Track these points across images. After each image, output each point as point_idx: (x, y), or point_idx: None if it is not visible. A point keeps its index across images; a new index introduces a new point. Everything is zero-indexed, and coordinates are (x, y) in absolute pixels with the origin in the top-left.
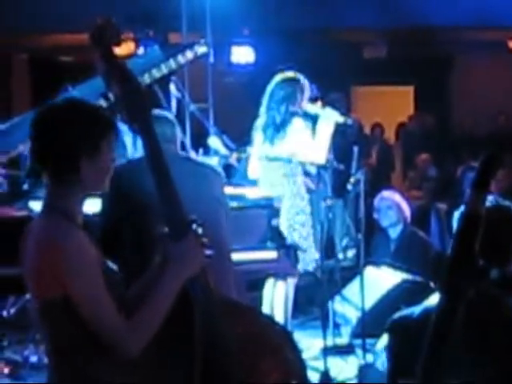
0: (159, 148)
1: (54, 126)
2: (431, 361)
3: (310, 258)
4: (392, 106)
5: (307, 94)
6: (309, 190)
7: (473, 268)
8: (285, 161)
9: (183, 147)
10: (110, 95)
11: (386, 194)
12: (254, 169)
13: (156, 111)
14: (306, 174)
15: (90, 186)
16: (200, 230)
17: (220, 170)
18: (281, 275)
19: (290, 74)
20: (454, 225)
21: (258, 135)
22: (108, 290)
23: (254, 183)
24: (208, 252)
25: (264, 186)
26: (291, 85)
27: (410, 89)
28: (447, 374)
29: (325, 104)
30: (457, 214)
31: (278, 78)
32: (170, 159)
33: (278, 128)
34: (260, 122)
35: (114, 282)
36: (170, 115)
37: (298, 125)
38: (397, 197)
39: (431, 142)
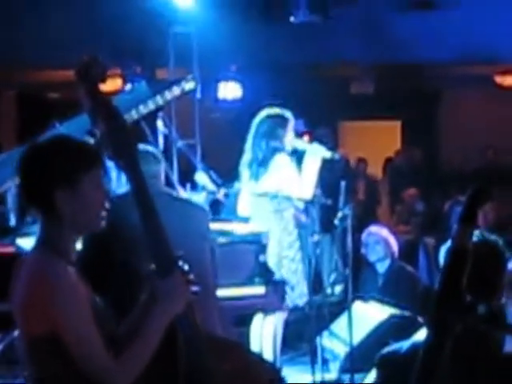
0: (145, 184)
1: (38, 163)
2: None
3: (298, 294)
4: (379, 141)
5: (292, 129)
6: (298, 225)
7: (460, 303)
8: (271, 197)
9: (170, 183)
10: (96, 132)
11: (373, 228)
12: (244, 205)
13: (141, 147)
14: (295, 209)
15: (76, 222)
16: (186, 267)
17: (205, 205)
18: (269, 311)
19: (273, 109)
20: (441, 259)
21: (244, 171)
22: (97, 327)
23: (241, 219)
24: (194, 288)
25: (254, 221)
26: (273, 120)
27: (398, 124)
28: None
29: (312, 139)
30: (443, 249)
31: (262, 114)
32: (154, 195)
33: (260, 164)
34: (246, 158)
35: (104, 319)
36: (155, 150)
37: (280, 160)
38: (384, 232)
39: (418, 177)
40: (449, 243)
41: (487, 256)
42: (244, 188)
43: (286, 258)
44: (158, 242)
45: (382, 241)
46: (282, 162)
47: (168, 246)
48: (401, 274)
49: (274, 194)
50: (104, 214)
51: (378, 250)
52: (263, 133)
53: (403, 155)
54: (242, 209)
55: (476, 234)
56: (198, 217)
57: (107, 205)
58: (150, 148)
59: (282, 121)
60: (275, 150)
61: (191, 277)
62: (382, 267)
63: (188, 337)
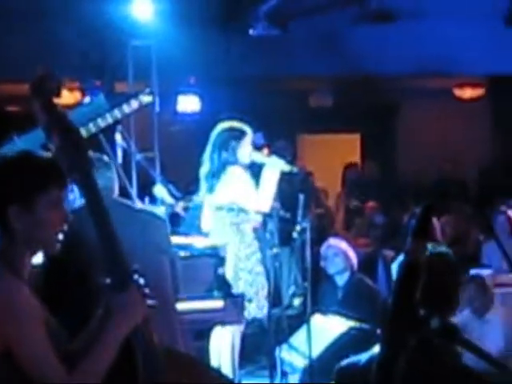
0: (99, 198)
1: None
2: None
3: (256, 306)
4: (339, 153)
5: (249, 142)
6: (257, 238)
7: (413, 317)
8: (227, 210)
9: (129, 197)
10: (51, 146)
11: (332, 241)
12: (207, 220)
13: (93, 156)
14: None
15: (29, 240)
16: (142, 281)
17: (164, 216)
18: (227, 324)
19: (229, 122)
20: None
21: (202, 184)
22: (51, 343)
23: (200, 232)
24: (150, 302)
25: (213, 234)
26: (228, 133)
27: (357, 137)
28: None
29: (271, 152)
30: (396, 263)
31: (219, 127)
32: (111, 207)
33: (214, 176)
34: (202, 170)
35: (57, 335)
36: (107, 159)
37: (233, 173)
38: (343, 244)
39: (377, 190)
40: (401, 257)
41: (440, 269)
42: (205, 202)
43: (243, 270)
44: (113, 255)
45: (341, 253)
46: (234, 175)
47: (124, 259)
48: (360, 286)
49: (230, 207)
50: (59, 235)
51: (337, 263)
52: (217, 145)
53: (361, 168)
54: (205, 224)
55: (429, 248)
56: (155, 227)
57: (65, 226)
58: (100, 155)
59: (237, 134)
60: (227, 163)
61: (147, 291)
62: (341, 280)
63: (144, 351)
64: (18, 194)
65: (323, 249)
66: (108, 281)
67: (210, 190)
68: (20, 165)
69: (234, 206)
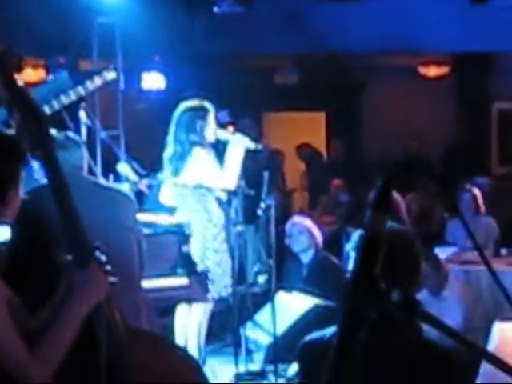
0: (62, 175)
1: None
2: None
3: (222, 284)
4: (304, 131)
5: (213, 120)
6: (222, 216)
7: (374, 290)
8: (193, 188)
9: (93, 174)
10: (12, 123)
11: (297, 219)
12: (167, 195)
13: (62, 135)
14: (217, 200)
15: None
16: (103, 257)
17: (131, 195)
18: (192, 301)
19: (193, 101)
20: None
21: (166, 166)
22: (14, 324)
23: (164, 210)
24: (112, 279)
25: (179, 213)
26: (193, 113)
27: (322, 115)
28: None
29: (236, 130)
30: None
31: (182, 106)
32: (77, 184)
33: (179, 159)
34: (167, 152)
35: (18, 314)
36: (77, 138)
37: (198, 154)
38: (308, 222)
39: (343, 168)
40: (360, 231)
41: (401, 243)
42: (166, 180)
43: (210, 249)
44: (74, 232)
45: (305, 231)
46: (199, 156)
47: (85, 236)
48: (325, 264)
49: (195, 186)
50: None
51: (302, 241)
52: (183, 126)
53: (326, 146)
54: (165, 199)
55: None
56: (124, 206)
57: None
58: (70, 134)
59: (202, 113)
60: (193, 144)
61: (108, 267)
62: (305, 258)
63: (106, 329)
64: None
65: (288, 226)
66: (69, 258)
67: (176, 172)
68: None
69: (200, 186)
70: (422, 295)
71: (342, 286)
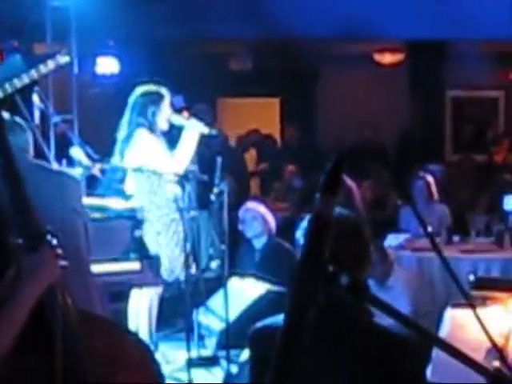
0: (12, 157)
1: None
2: (282, 368)
3: (174, 269)
4: (258, 117)
5: (168, 105)
6: (175, 201)
7: (321, 274)
8: (137, 170)
9: (46, 158)
10: None
11: (250, 204)
12: (128, 182)
13: (8, 118)
14: (168, 184)
15: None
16: (54, 241)
17: (78, 177)
18: (144, 286)
19: (146, 86)
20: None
21: (116, 148)
22: None
23: (117, 194)
24: (63, 263)
25: (133, 197)
26: (146, 97)
27: (276, 101)
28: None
29: (191, 115)
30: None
31: (137, 91)
32: (23, 168)
33: (124, 140)
34: (119, 135)
35: None
36: (22, 122)
37: (141, 136)
38: (261, 208)
39: (297, 154)
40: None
41: (349, 227)
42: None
43: (162, 233)
44: (24, 216)
45: (259, 217)
46: (142, 138)
47: (35, 220)
48: (277, 250)
49: (135, 168)
50: None
51: (255, 227)
52: (135, 110)
53: (281, 132)
54: (127, 187)
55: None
56: (70, 188)
57: None
58: (16, 118)
59: (155, 97)
60: (138, 126)
61: (59, 251)
62: (258, 243)
63: (57, 314)
64: None
65: (241, 212)
66: (20, 241)
67: (121, 154)
68: None
69: (145, 168)
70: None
71: (291, 270)
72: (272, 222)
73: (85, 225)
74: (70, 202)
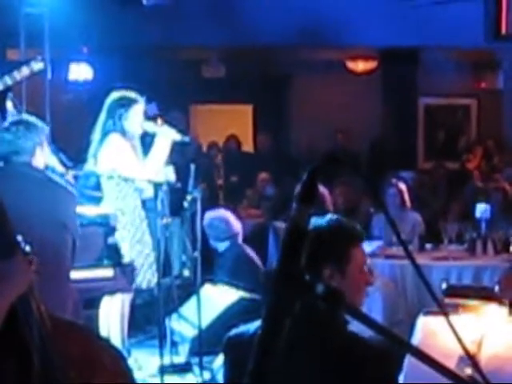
0: None
1: None
2: (257, 376)
3: (147, 276)
4: (231, 124)
5: (141, 112)
6: (146, 208)
7: (297, 283)
8: (108, 177)
9: None
10: None
11: (215, 210)
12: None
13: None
14: (138, 191)
15: None
16: (28, 248)
17: (73, 190)
18: (117, 293)
19: (119, 92)
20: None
21: (90, 151)
22: None
23: (90, 201)
24: (35, 268)
25: (105, 203)
26: (117, 103)
27: (249, 108)
28: None
29: (164, 122)
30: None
31: (111, 96)
32: (23, 176)
33: (98, 143)
34: (92, 138)
35: None
36: (38, 122)
37: (112, 141)
38: (226, 213)
39: (269, 161)
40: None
41: (326, 236)
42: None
43: (133, 240)
44: None
45: (223, 221)
46: (113, 143)
47: (9, 227)
48: (239, 255)
49: (109, 176)
50: None
51: (219, 231)
52: (106, 113)
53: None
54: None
55: (316, 218)
56: (65, 203)
57: None
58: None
59: (125, 102)
60: (110, 130)
61: (33, 258)
62: (221, 247)
63: (30, 320)
64: None
65: (206, 216)
66: None
67: (95, 156)
68: None
69: (114, 174)
70: None
71: (259, 279)
72: (237, 227)
73: (73, 238)
74: (60, 215)
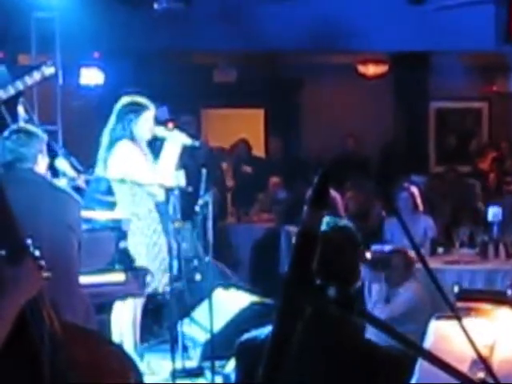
0: None
1: None
2: (269, 380)
3: (158, 280)
4: (243, 129)
5: (151, 116)
6: (159, 212)
7: (309, 287)
8: (119, 182)
9: None
10: None
11: None
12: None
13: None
14: (151, 195)
15: None
16: (37, 253)
17: (77, 196)
18: (129, 297)
19: (130, 97)
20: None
21: (99, 157)
22: None
23: (102, 205)
24: (46, 274)
25: (118, 208)
26: (128, 108)
27: (260, 112)
28: None
29: (176, 126)
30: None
31: (122, 101)
32: (28, 181)
33: (107, 148)
34: (103, 141)
35: None
36: (37, 130)
37: (122, 147)
38: None
39: (280, 165)
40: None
41: (339, 241)
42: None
43: (145, 244)
44: (7, 227)
45: None
46: (123, 148)
47: (18, 232)
48: None
49: (120, 180)
50: None
51: None
52: (116, 118)
53: (265, 143)
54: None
55: (328, 221)
56: (70, 207)
57: None
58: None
59: (135, 108)
60: (120, 136)
61: (43, 263)
62: None
63: (40, 325)
64: None
65: None
66: (2, 253)
67: (105, 161)
68: None
69: (127, 179)
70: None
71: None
72: None
73: (79, 242)
74: (66, 219)
